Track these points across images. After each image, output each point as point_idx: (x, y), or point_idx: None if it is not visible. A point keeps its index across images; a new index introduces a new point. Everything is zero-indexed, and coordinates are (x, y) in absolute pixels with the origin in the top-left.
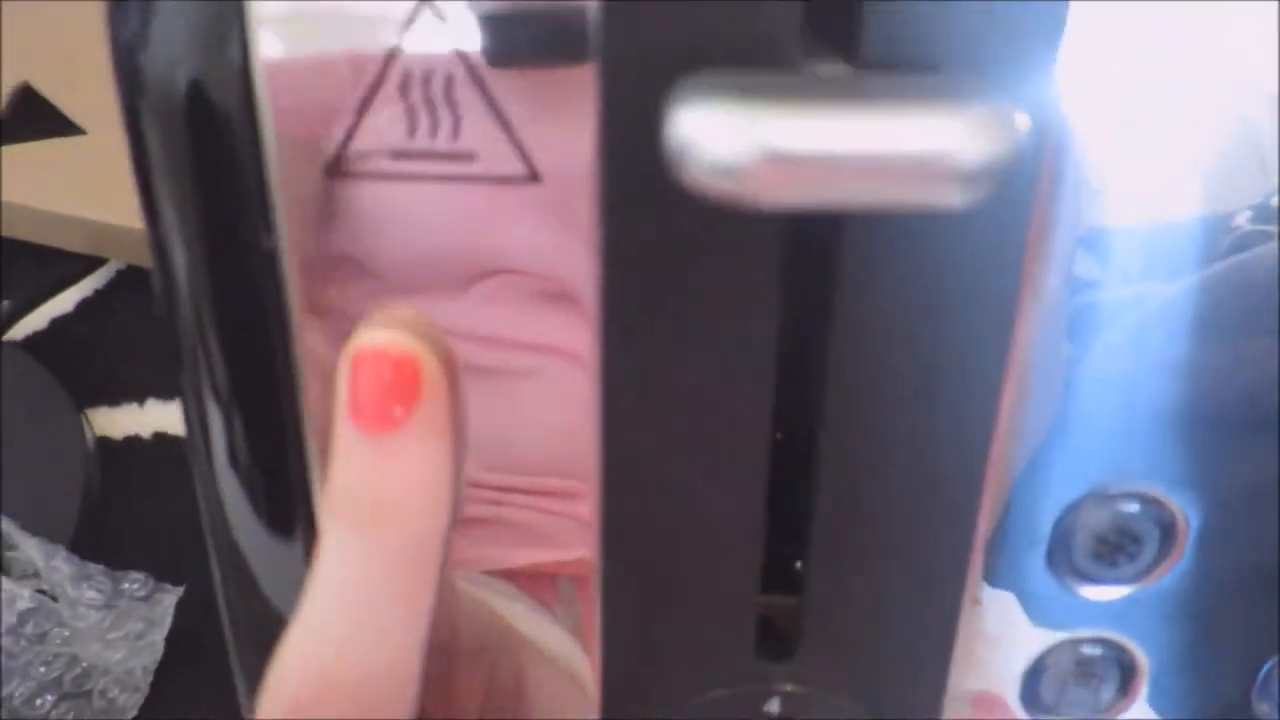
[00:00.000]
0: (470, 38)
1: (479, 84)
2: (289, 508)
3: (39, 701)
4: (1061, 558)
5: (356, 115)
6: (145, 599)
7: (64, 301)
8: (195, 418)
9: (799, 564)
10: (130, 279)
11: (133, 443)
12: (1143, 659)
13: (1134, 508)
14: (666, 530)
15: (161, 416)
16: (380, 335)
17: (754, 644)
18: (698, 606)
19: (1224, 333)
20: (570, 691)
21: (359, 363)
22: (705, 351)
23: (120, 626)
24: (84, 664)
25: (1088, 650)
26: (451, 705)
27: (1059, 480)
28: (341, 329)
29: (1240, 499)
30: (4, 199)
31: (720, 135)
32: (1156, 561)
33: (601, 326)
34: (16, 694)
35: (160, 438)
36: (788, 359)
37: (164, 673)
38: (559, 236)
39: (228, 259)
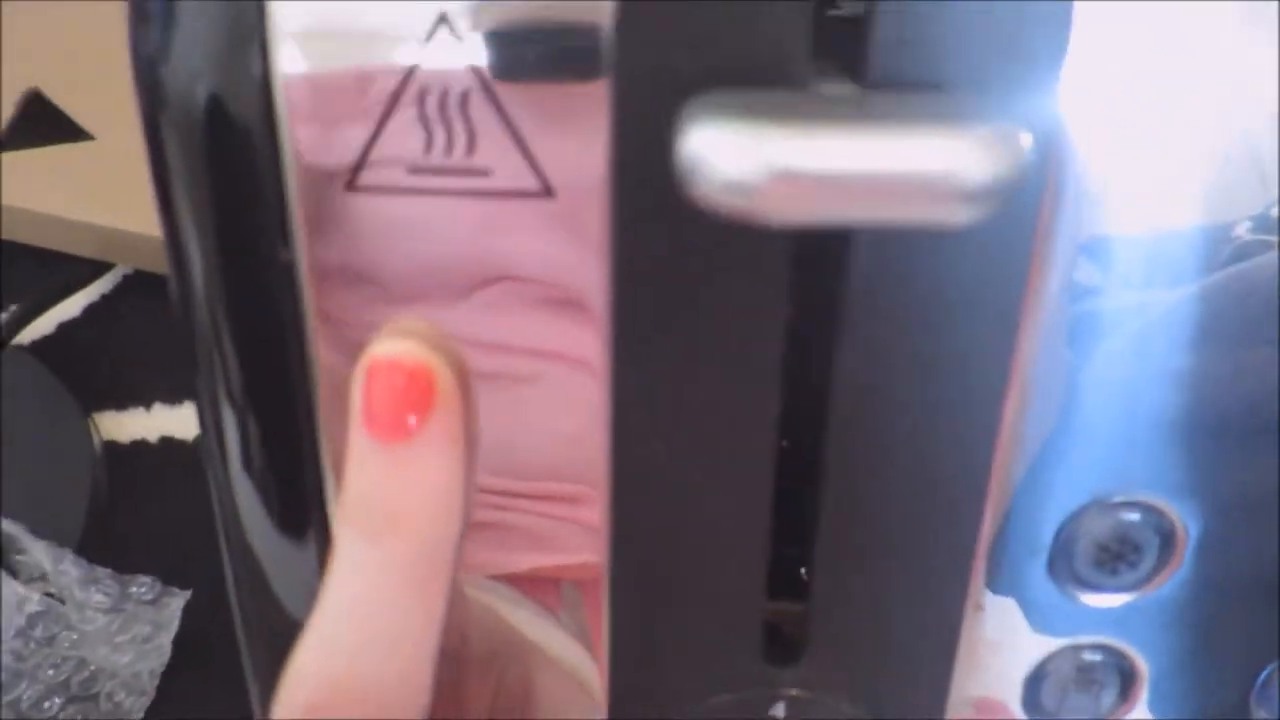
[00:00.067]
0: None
1: (494, 100)
2: (302, 512)
3: (47, 704)
4: (1063, 565)
5: (373, 131)
6: (152, 602)
7: (71, 306)
8: (210, 422)
9: (804, 570)
10: (137, 284)
11: (139, 447)
12: (1143, 665)
13: (1134, 516)
14: (674, 536)
15: (168, 421)
16: (394, 346)
17: (760, 649)
18: (705, 611)
19: (1224, 342)
20: (576, 696)
21: (373, 372)
22: (713, 362)
23: (128, 630)
24: (92, 667)
25: (1088, 656)
26: (460, 710)
27: (1061, 489)
28: (340, 336)
29: (1240, 508)
30: (11, 204)
31: (730, 153)
32: (1156, 569)
33: (612, 338)
34: (25, 697)
35: (167, 442)
36: (795, 369)
37: (170, 676)
38: (568, 247)
39: (245, 269)
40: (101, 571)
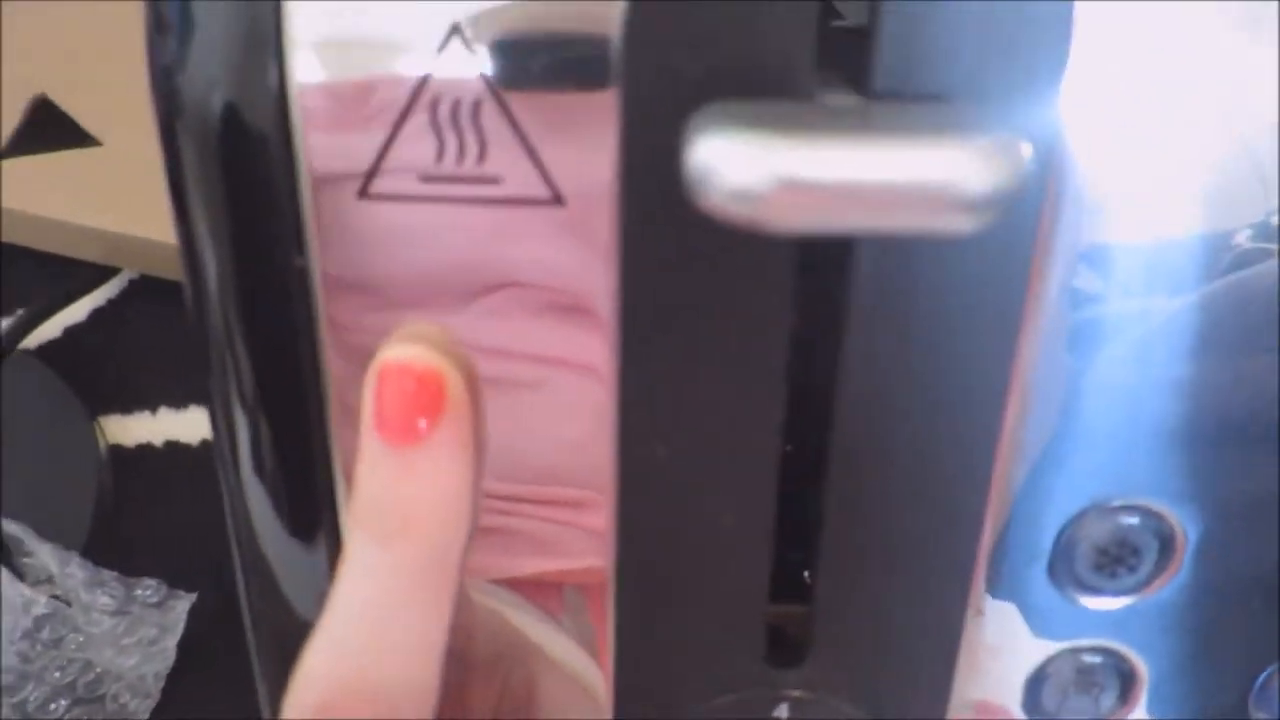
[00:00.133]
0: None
1: (505, 109)
2: (313, 514)
3: (53, 706)
4: (1063, 568)
5: (386, 139)
6: (158, 605)
7: (77, 311)
8: (222, 425)
9: (807, 573)
10: (143, 288)
11: (145, 450)
12: (1142, 667)
13: (1134, 520)
14: (679, 538)
15: (173, 425)
16: (405, 350)
17: (763, 650)
18: (709, 613)
19: (1224, 349)
20: (579, 698)
21: (384, 377)
22: (718, 367)
23: (133, 632)
24: (97, 669)
25: (1088, 659)
26: (465, 712)
27: (1061, 493)
28: (341, 341)
29: (1239, 513)
30: (18, 208)
31: (737, 162)
32: (1156, 573)
33: (619, 342)
34: (31, 698)
35: (172, 446)
36: (799, 374)
37: (174, 678)
38: (576, 254)
39: (259, 274)
40: (107, 574)
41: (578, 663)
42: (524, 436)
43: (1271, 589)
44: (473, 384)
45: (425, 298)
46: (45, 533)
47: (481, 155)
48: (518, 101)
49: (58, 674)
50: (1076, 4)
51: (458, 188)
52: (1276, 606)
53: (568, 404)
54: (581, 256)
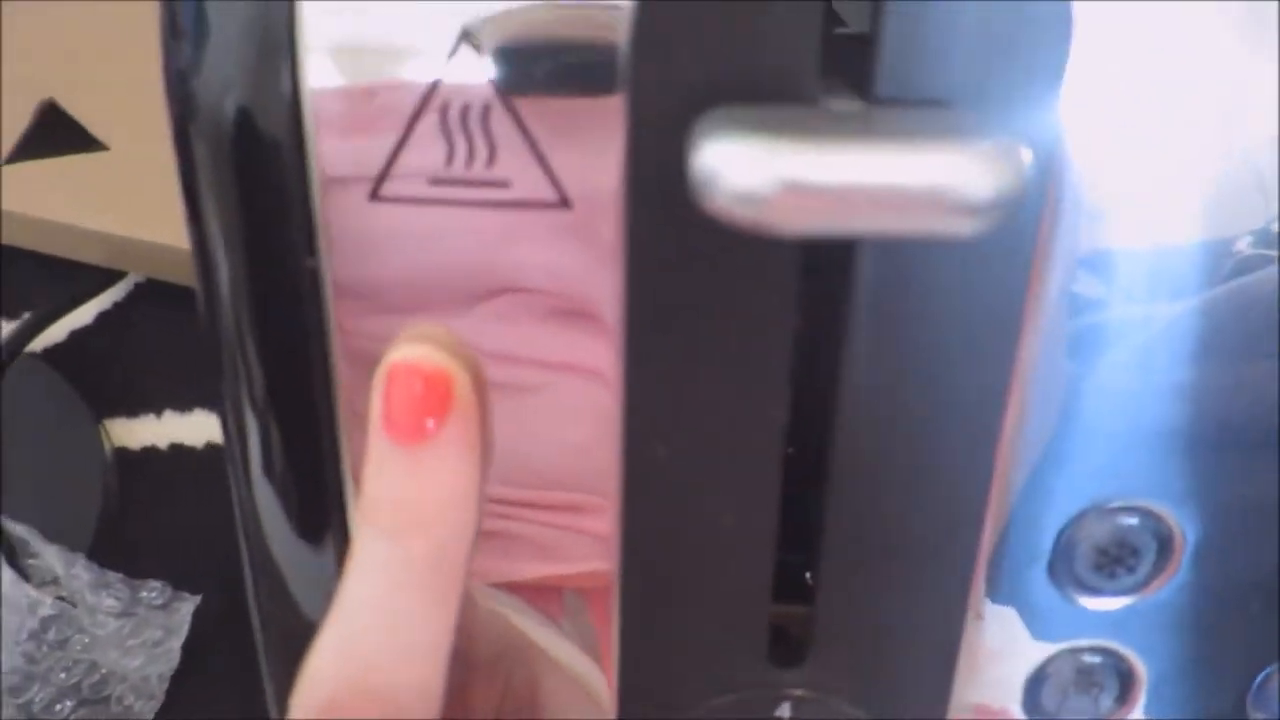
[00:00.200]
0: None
1: (513, 113)
2: (322, 516)
3: (58, 707)
4: (1063, 569)
5: (397, 143)
6: (163, 607)
7: (83, 314)
8: (233, 426)
9: (809, 575)
10: (149, 292)
11: (150, 453)
12: (1141, 668)
13: (1133, 521)
14: (683, 540)
15: (178, 428)
16: (414, 351)
17: (766, 651)
18: (712, 613)
19: (1225, 355)
20: (581, 699)
21: (393, 377)
22: (723, 369)
23: (139, 634)
24: (103, 670)
25: (1088, 659)
26: (467, 712)
27: (1061, 495)
28: (342, 345)
29: (1239, 516)
30: (25, 212)
31: (742, 166)
32: (1154, 574)
33: (625, 344)
34: (36, 699)
35: (177, 448)
36: (802, 377)
37: (177, 680)
38: (582, 257)
39: (271, 277)
40: (113, 576)
41: (579, 666)
42: (526, 440)
43: (1270, 591)
44: (480, 385)
45: (428, 302)
46: (51, 534)
47: (491, 159)
48: (526, 106)
49: (63, 675)
50: (1077, 11)
51: (467, 191)
52: (1275, 608)
53: (570, 408)
54: (586, 260)
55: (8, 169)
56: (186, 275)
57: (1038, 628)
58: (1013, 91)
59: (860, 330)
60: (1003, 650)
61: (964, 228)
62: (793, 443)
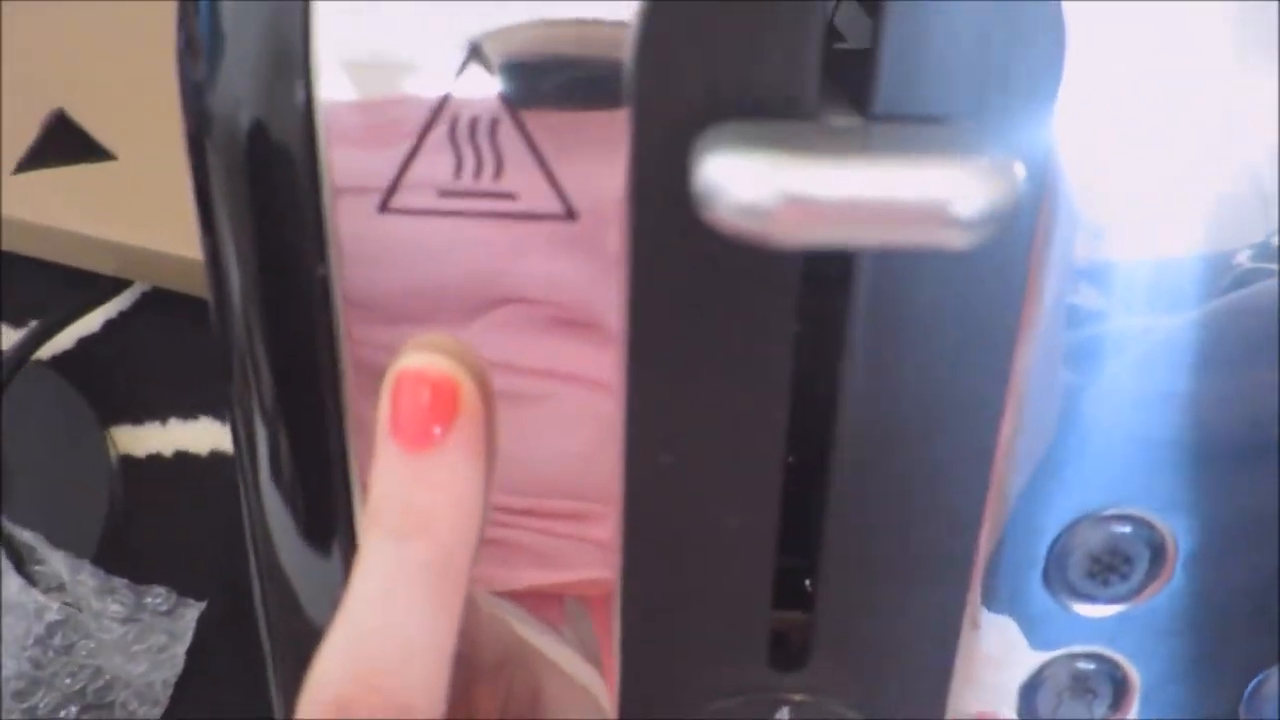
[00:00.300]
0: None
1: (521, 127)
2: (330, 524)
3: (63, 712)
4: (1057, 576)
5: (407, 155)
6: (168, 613)
7: (90, 322)
8: (242, 434)
9: (809, 581)
10: (155, 301)
11: (155, 460)
12: (1135, 674)
13: (1126, 529)
14: (685, 546)
15: (183, 436)
16: (421, 358)
17: (766, 655)
18: (713, 618)
19: (1224, 366)
20: (584, 706)
21: (401, 384)
22: (724, 378)
23: (144, 640)
24: (107, 676)
25: (1082, 665)
26: (470, 714)
27: (1057, 503)
28: (349, 353)
29: (1235, 525)
30: (32, 220)
31: (745, 180)
32: (1147, 581)
33: (628, 353)
34: (42, 704)
35: (182, 456)
36: (802, 387)
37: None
38: (586, 268)
39: (282, 286)
40: (118, 582)
41: (580, 672)
42: (528, 449)
43: (1262, 598)
44: (486, 392)
45: (433, 312)
46: (57, 541)
47: (498, 171)
48: (533, 120)
49: (68, 680)
50: (1076, 24)
51: (475, 202)
52: (1267, 615)
53: (572, 417)
54: (590, 272)
55: (15, 177)
56: (193, 284)
57: (1033, 635)
58: (1007, 107)
59: (858, 340)
60: (998, 657)
61: (959, 240)
62: (793, 451)
